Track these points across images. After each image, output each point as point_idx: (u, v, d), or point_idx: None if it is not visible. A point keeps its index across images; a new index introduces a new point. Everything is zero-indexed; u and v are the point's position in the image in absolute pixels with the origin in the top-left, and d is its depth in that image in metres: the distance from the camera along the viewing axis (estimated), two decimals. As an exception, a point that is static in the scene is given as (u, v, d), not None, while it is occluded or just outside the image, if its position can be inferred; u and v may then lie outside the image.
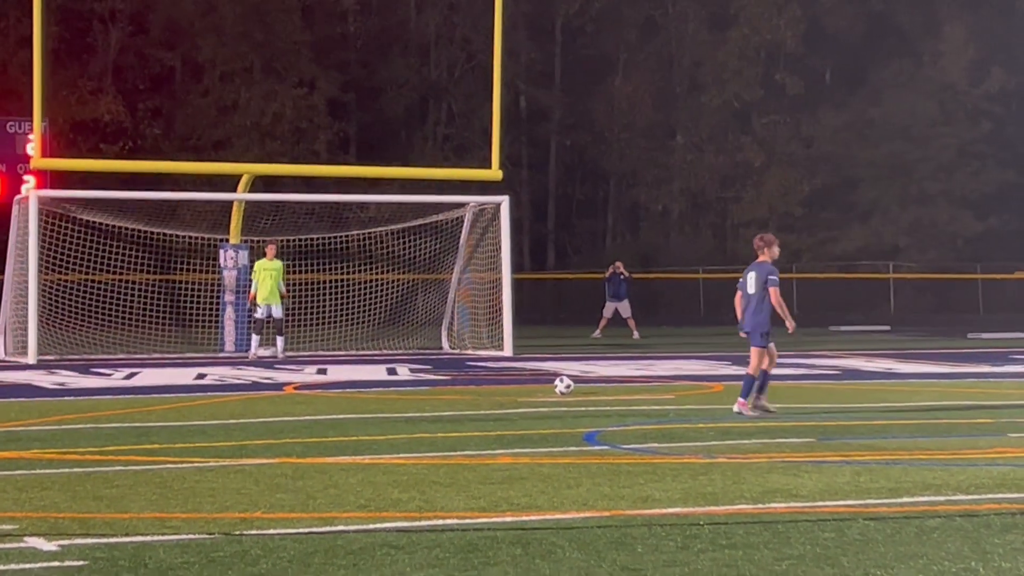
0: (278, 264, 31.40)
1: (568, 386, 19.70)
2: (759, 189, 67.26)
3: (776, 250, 17.60)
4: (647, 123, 68.45)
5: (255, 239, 33.87)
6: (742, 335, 17.66)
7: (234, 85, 59.78)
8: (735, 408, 16.98)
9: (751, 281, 17.36)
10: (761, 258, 17.46)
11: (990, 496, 10.47)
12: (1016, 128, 67.70)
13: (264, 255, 31.46)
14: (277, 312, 31.12)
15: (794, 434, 14.75)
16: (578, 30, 70.30)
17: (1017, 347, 35.04)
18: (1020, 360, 29.22)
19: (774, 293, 17.16)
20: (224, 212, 34.54)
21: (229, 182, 35.46)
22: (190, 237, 34.78)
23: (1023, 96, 68.05)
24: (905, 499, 10.34)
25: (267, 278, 31.01)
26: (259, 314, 31.17)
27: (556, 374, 21.86)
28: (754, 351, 17.31)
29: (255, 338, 31.26)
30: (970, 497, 10.42)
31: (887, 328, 48.53)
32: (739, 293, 17.57)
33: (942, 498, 10.37)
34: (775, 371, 17.96)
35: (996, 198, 66.37)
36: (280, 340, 31.19)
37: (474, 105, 63.09)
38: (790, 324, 17.71)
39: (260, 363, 29.16)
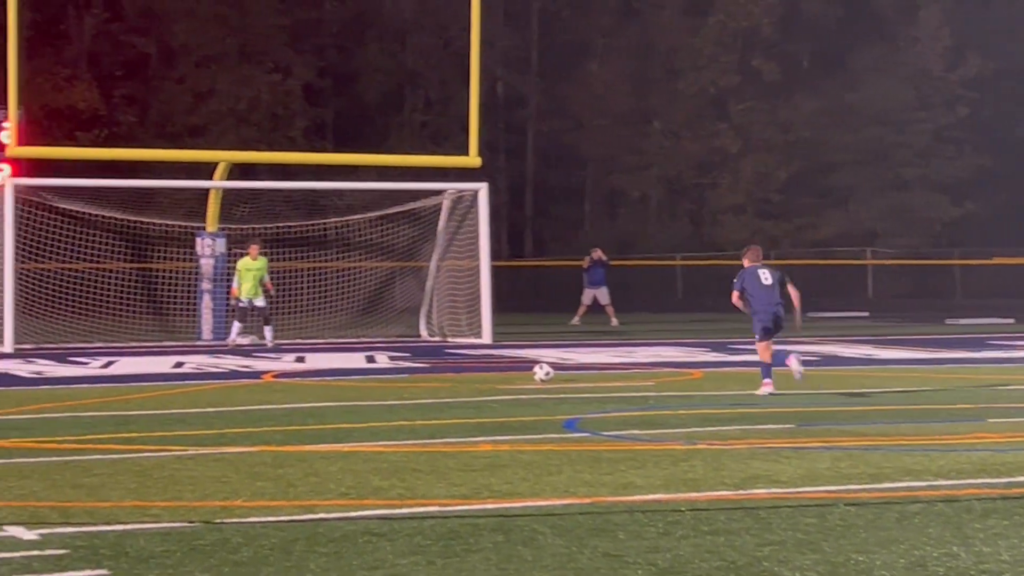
0: (262, 262, 31.35)
1: (548, 373, 19.69)
2: (736, 175, 67.23)
3: (745, 260, 18.53)
4: (624, 109, 68.39)
5: (232, 227, 33.79)
6: None
7: (209, 71, 59.55)
8: None
9: None
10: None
11: (970, 481, 10.48)
12: (991, 113, 67.82)
13: (248, 255, 31.36)
14: (260, 302, 31.07)
15: (774, 420, 14.74)
16: (554, 16, 70.26)
17: (994, 333, 35.14)
18: (997, 346, 29.30)
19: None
20: (201, 200, 34.43)
21: (205, 169, 35.34)
22: (166, 225, 34.64)
23: (998, 81, 68.13)
24: (886, 485, 10.34)
25: (250, 278, 30.96)
26: (242, 304, 31.05)
27: (535, 361, 21.83)
28: None
29: (236, 325, 31.13)
30: (950, 482, 10.43)
31: (865, 314, 48.60)
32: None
33: (922, 483, 10.37)
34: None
35: (972, 183, 66.46)
36: (268, 329, 31.09)
37: (451, 92, 62.94)
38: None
39: (238, 351, 29.09)
